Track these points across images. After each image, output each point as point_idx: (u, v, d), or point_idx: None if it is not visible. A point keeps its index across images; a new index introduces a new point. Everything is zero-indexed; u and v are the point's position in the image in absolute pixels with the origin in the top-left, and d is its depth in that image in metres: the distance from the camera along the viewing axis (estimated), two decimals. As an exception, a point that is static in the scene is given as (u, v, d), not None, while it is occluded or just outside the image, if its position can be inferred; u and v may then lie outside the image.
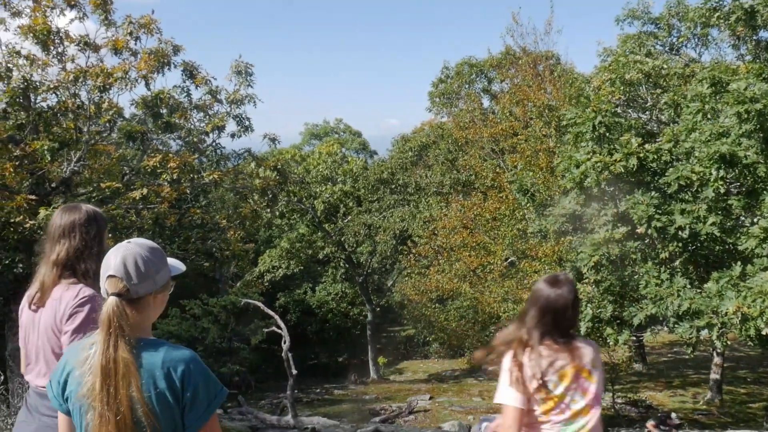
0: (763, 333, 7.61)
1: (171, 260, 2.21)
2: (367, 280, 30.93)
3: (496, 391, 2.81)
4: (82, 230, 2.84)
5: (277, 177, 12.02)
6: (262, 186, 11.85)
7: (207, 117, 11.64)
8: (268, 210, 12.76)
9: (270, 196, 12.51)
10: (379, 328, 33.49)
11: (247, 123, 11.69)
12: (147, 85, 10.54)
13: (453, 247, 19.02)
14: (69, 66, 9.97)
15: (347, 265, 31.44)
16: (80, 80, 9.81)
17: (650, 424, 13.53)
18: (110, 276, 1.97)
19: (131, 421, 1.87)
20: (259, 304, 21.52)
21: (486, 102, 29.27)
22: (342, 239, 29.12)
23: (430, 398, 23.94)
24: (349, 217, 28.74)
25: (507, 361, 2.83)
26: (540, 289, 2.90)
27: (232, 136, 11.75)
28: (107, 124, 10.36)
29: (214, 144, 11.81)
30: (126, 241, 2.06)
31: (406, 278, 25.21)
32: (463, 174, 25.87)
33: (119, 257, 1.98)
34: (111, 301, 1.92)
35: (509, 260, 17.43)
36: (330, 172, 27.84)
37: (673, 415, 13.54)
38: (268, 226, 25.92)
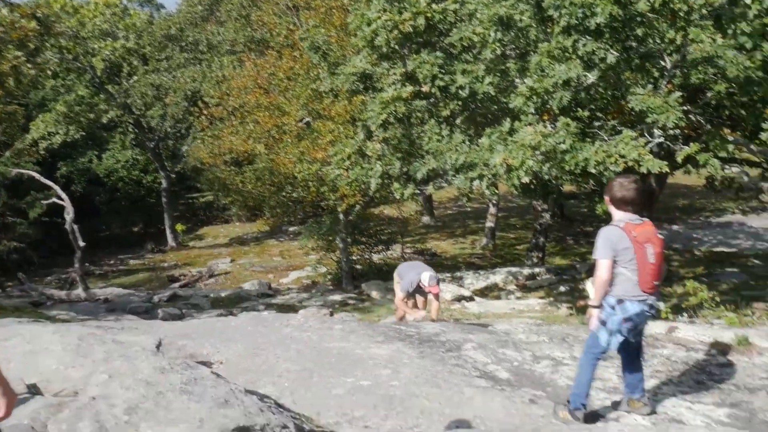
0: (524, 181, 8.55)
1: None
2: (159, 146, 29.31)
3: None
4: None
5: (38, 27, 10.47)
6: (19, 37, 10.28)
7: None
8: (30, 66, 11.20)
9: (32, 49, 10.95)
10: (176, 196, 32.38)
11: (-8, -41, 9.89)
12: None
13: (247, 108, 18.45)
14: None
15: (137, 130, 29.39)
16: None
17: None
18: None
19: None
20: (34, 174, 19.65)
21: (281, -46, 27.61)
22: (128, 102, 26.91)
23: (231, 261, 24.17)
24: (135, 78, 26.44)
25: None
26: None
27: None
28: None
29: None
30: None
31: (200, 142, 24.20)
32: (257, 31, 24.67)
33: None
34: None
35: (304, 120, 17.38)
36: (109, 27, 24.93)
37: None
38: (34, 85, 22.84)
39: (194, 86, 25.33)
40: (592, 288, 4.37)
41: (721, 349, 6.02)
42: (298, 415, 4.27)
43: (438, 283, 7.90)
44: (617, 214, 4.28)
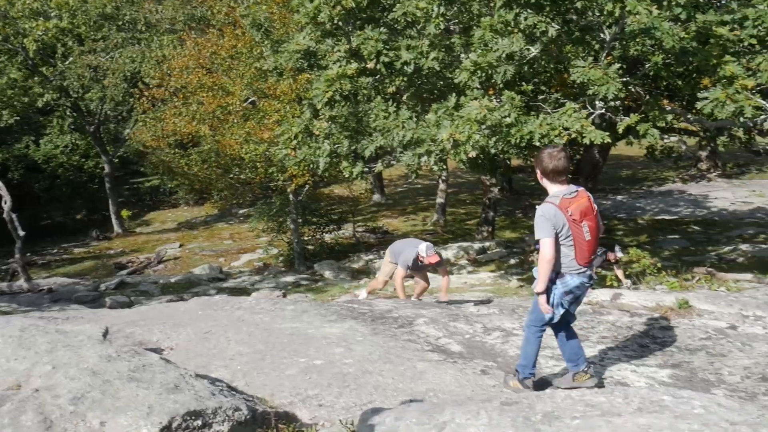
0: (471, 156, 8.62)
1: None
2: (100, 130, 28.37)
3: None
4: None
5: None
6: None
7: None
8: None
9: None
10: (120, 181, 31.49)
11: None
12: None
13: (190, 89, 17.97)
14: None
15: (75, 114, 28.35)
16: None
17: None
18: None
19: None
20: (-34, 161, 18.75)
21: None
22: (65, 84, 25.87)
23: (180, 246, 23.74)
24: (71, 59, 25.42)
25: None
26: None
27: None
28: None
29: None
30: None
31: (142, 124, 23.50)
32: (197, 9, 24.02)
33: None
34: None
35: (249, 100, 17.06)
36: (40, 5, 23.84)
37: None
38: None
39: (133, 67, 24.51)
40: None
41: (663, 313, 6.24)
42: (252, 397, 4.24)
43: (435, 253, 7.83)
44: (552, 188, 4.20)
